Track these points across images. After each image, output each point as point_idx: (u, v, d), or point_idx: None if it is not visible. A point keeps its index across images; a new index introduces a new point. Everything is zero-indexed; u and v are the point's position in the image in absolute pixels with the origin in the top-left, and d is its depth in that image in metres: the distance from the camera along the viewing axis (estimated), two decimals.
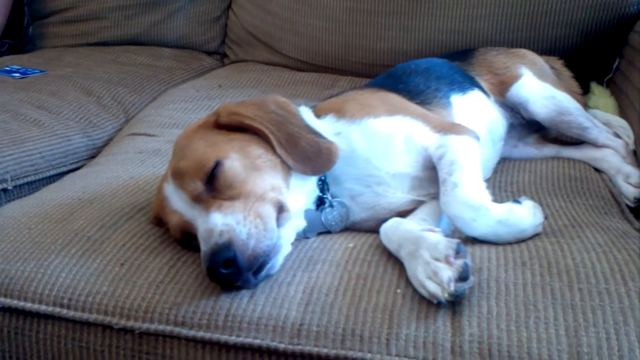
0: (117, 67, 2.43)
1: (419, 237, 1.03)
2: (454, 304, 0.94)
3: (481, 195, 1.13)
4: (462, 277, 0.93)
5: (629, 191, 1.50)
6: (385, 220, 1.16)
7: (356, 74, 2.35)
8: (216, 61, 2.77)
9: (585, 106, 1.83)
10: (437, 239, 1.01)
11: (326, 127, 1.27)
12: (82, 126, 1.92)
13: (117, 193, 1.36)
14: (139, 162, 1.58)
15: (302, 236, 1.19)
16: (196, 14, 2.76)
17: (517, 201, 1.15)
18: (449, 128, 1.29)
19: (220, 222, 1.01)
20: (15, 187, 1.62)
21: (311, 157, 1.16)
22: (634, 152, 1.66)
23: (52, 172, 1.72)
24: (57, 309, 1.04)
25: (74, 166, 1.78)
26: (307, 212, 1.20)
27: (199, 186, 1.07)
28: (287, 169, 1.16)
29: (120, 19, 2.76)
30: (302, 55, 2.47)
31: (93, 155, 1.85)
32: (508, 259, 1.05)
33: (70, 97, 2.05)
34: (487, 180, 1.52)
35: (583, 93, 1.90)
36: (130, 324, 1.01)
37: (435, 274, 0.95)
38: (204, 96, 2.13)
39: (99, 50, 2.66)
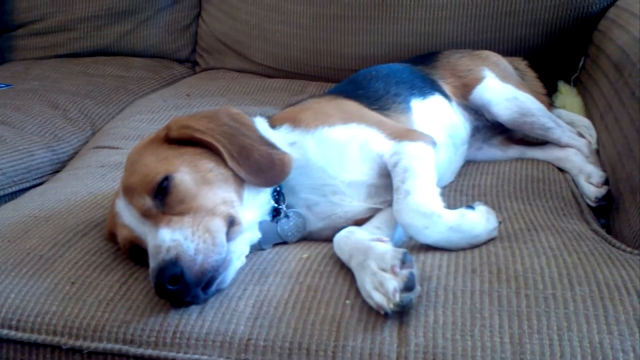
0: (85, 79, 2.41)
1: (367, 247, 1.03)
2: (401, 314, 0.94)
3: (433, 202, 1.13)
4: (408, 287, 0.93)
5: (590, 191, 1.50)
6: (341, 229, 1.16)
7: (325, 79, 2.35)
8: (187, 69, 2.76)
9: (550, 106, 1.84)
10: (384, 249, 1.00)
11: (281, 137, 1.26)
12: (47, 140, 1.90)
13: (73, 209, 1.35)
14: (100, 177, 1.57)
15: (258, 247, 1.18)
16: (166, 23, 2.76)
17: (470, 207, 1.15)
18: (404, 134, 1.29)
19: (168, 238, 1.00)
20: None
21: (264, 168, 1.16)
22: (597, 151, 1.67)
23: (14, 189, 1.70)
24: (5, 331, 1.03)
25: (37, 182, 1.76)
26: (262, 224, 1.19)
27: (147, 201, 1.07)
28: (240, 181, 1.15)
29: (90, 29, 2.75)
30: (271, 62, 2.47)
31: (58, 169, 1.84)
32: (459, 265, 1.05)
33: (35, 111, 2.03)
34: (449, 184, 1.53)
35: (549, 93, 1.91)
36: (79, 343, 1.00)
37: (382, 285, 0.94)
38: (171, 106, 2.12)
39: (68, 62, 2.64)
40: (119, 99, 2.29)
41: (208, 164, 1.13)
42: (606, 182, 1.51)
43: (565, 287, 0.96)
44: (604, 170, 1.55)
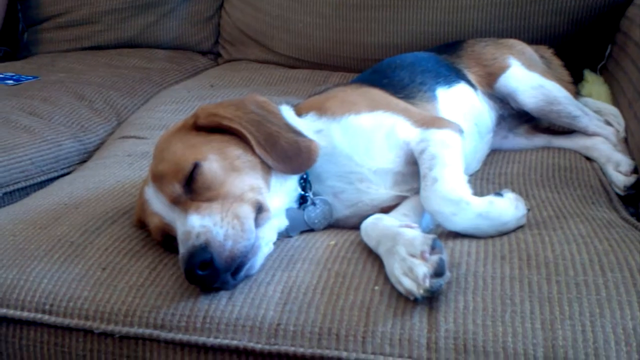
0: (110, 71, 2.44)
1: (396, 233, 1.03)
2: (431, 299, 0.94)
3: (461, 189, 1.13)
4: (438, 272, 0.93)
5: (619, 179, 1.48)
6: (368, 216, 1.16)
7: (348, 69, 2.35)
8: (210, 61, 2.78)
9: (576, 94, 1.81)
10: (413, 235, 1.00)
11: (307, 125, 1.27)
12: (74, 131, 1.93)
13: (102, 197, 1.36)
14: (127, 166, 1.59)
15: (285, 235, 1.19)
16: (189, 15, 2.77)
17: (499, 194, 1.14)
18: (431, 122, 1.29)
19: (198, 224, 1.01)
20: (5, 194, 1.63)
21: (291, 156, 1.16)
22: (625, 140, 1.65)
23: (42, 178, 1.72)
24: (39, 315, 1.05)
25: (65, 171, 1.79)
26: (289, 211, 1.20)
27: (177, 189, 1.08)
28: (268, 168, 1.16)
29: (114, 22, 2.77)
30: (294, 53, 2.47)
31: (84, 159, 1.86)
32: (488, 252, 1.04)
33: (62, 102, 2.06)
34: (476, 173, 1.52)
35: (575, 81, 1.88)
36: (111, 328, 1.02)
37: (411, 270, 0.94)
38: (195, 97, 2.14)
39: (93, 54, 2.67)
40: (143, 90, 2.31)
41: (236, 151, 1.14)
42: (635, 170, 1.49)
43: (597, 274, 0.95)
44: (633, 159, 1.53)
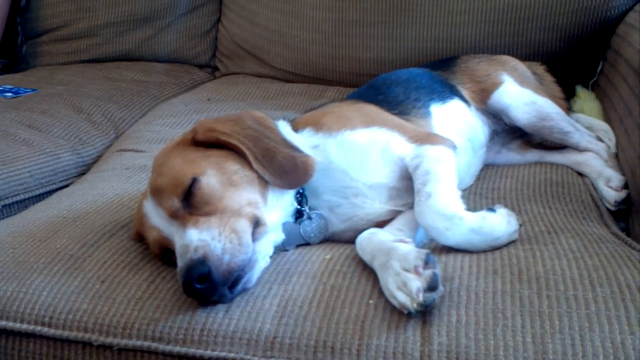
0: (108, 84, 2.46)
1: (390, 248, 1.05)
2: (425, 314, 0.96)
3: (455, 204, 1.15)
4: (431, 287, 0.95)
5: (610, 195, 1.51)
6: (364, 231, 1.18)
7: (344, 85, 2.38)
8: (208, 75, 2.80)
9: (568, 111, 1.84)
10: (407, 249, 1.02)
11: (304, 140, 1.29)
12: (72, 144, 1.94)
13: (101, 211, 1.38)
14: (125, 179, 1.60)
15: (282, 249, 1.21)
16: (187, 29, 2.79)
17: (491, 209, 1.17)
18: (425, 138, 1.31)
19: (196, 238, 1.03)
20: (4, 206, 1.64)
21: (288, 171, 1.18)
22: (616, 156, 1.67)
23: (41, 191, 1.74)
24: (39, 328, 1.06)
25: (63, 184, 1.80)
26: (285, 226, 1.22)
27: (176, 203, 1.09)
28: (265, 183, 1.18)
29: (112, 35, 2.79)
30: (291, 67, 2.50)
31: (83, 172, 1.88)
32: (480, 267, 1.07)
33: (61, 116, 2.08)
34: (469, 188, 1.55)
35: (568, 97, 1.91)
36: (110, 340, 1.03)
37: (405, 285, 0.96)
38: (192, 110, 2.16)
39: (91, 67, 2.69)
40: (141, 104, 2.33)
41: (234, 167, 1.16)
42: (626, 186, 1.52)
43: (587, 289, 0.98)
44: (624, 175, 1.56)
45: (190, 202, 1.09)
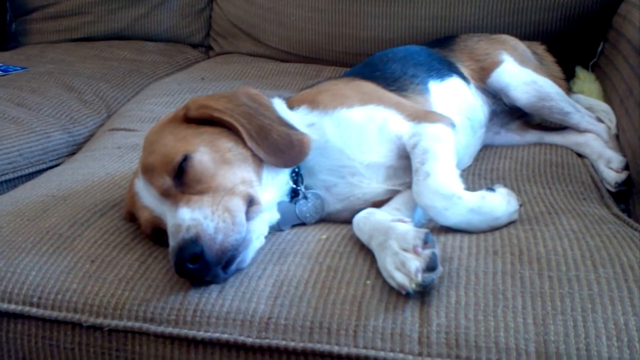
0: (100, 63, 2.41)
1: (388, 227, 1.02)
2: (423, 294, 0.94)
3: (453, 183, 1.12)
4: (430, 267, 0.92)
5: (610, 176, 1.49)
6: (360, 211, 1.15)
7: (340, 64, 2.34)
8: (201, 54, 2.76)
9: (568, 91, 1.81)
10: (405, 229, 1.00)
11: (299, 118, 1.26)
12: (63, 123, 1.91)
13: (91, 189, 1.35)
14: (117, 158, 1.57)
15: (277, 229, 1.18)
16: (180, 7, 2.75)
17: (491, 189, 1.14)
18: (423, 116, 1.28)
19: (188, 217, 1.00)
20: None
21: (283, 149, 1.15)
22: (617, 137, 1.65)
23: (31, 170, 1.71)
24: (27, 308, 1.04)
25: (53, 163, 1.77)
26: (280, 205, 1.19)
27: (167, 181, 1.06)
28: (259, 161, 1.15)
29: (104, 13, 2.74)
30: (286, 46, 2.46)
31: (73, 151, 1.85)
32: (480, 247, 1.04)
33: (51, 94, 2.04)
34: (468, 168, 1.52)
35: (567, 78, 1.89)
36: (100, 321, 1.01)
37: (403, 265, 0.94)
38: (186, 89, 2.12)
39: (82, 45, 2.65)
40: (133, 83, 2.29)
41: (227, 144, 1.13)
42: (626, 167, 1.50)
43: (589, 269, 0.95)
44: (624, 155, 1.53)
45: (182, 180, 1.06)
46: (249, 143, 1.13)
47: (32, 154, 1.73)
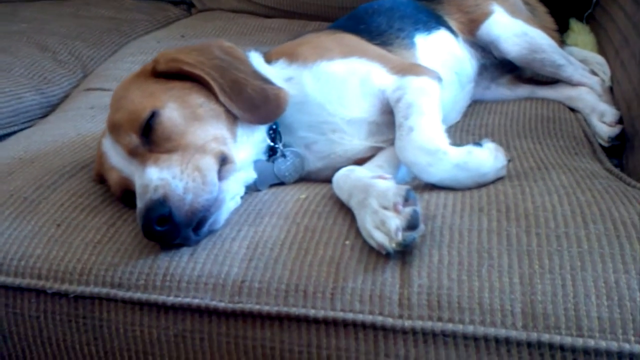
0: (75, 21, 2.32)
1: (368, 185, 0.97)
2: (404, 254, 0.89)
3: (438, 138, 1.06)
4: (411, 225, 0.87)
5: (603, 130, 1.43)
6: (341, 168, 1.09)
7: (326, 19, 2.23)
8: (183, 11, 2.66)
9: (561, 43, 1.75)
10: (386, 186, 0.94)
11: (277, 72, 1.19)
12: (35, 83, 1.83)
13: (60, 151, 1.28)
14: (89, 118, 1.51)
15: (254, 189, 1.13)
16: None
17: (478, 144, 1.08)
18: (408, 69, 1.21)
19: (156, 177, 0.94)
20: None
21: (258, 104, 1.09)
22: (611, 89, 1.59)
23: (1, 133, 1.63)
24: None
25: (25, 125, 1.70)
26: (257, 163, 1.13)
27: (134, 139, 1.01)
28: (233, 118, 1.09)
29: None
30: (270, 1, 2.37)
31: (47, 113, 1.77)
32: (465, 204, 0.99)
33: (22, 54, 1.95)
34: (456, 124, 1.46)
35: (561, 30, 1.81)
36: (65, 287, 0.96)
37: (383, 223, 0.88)
38: (165, 47, 2.01)
39: (58, 4, 2.54)
40: (111, 41, 2.20)
41: (198, 99, 1.06)
42: (620, 120, 1.44)
43: (579, 226, 0.90)
44: (618, 109, 1.47)
45: (150, 139, 1.00)
46: (222, 98, 1.07)
47: (3, 116, 1.66)
